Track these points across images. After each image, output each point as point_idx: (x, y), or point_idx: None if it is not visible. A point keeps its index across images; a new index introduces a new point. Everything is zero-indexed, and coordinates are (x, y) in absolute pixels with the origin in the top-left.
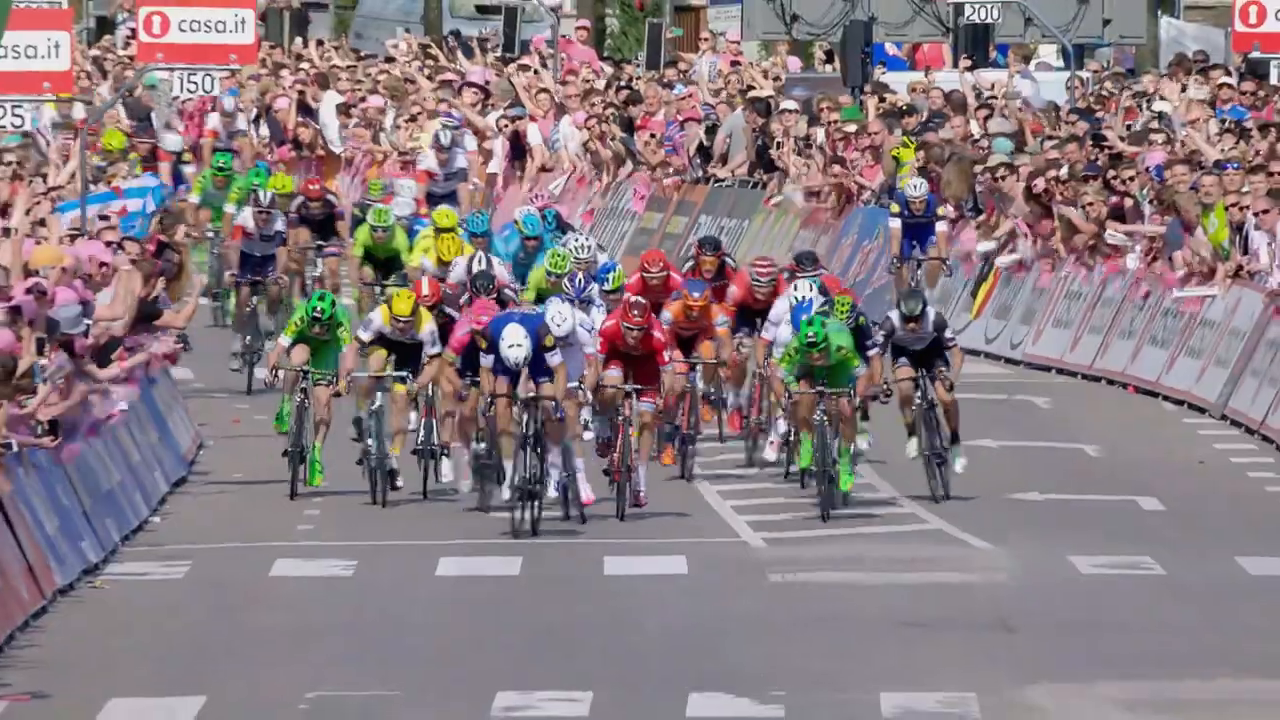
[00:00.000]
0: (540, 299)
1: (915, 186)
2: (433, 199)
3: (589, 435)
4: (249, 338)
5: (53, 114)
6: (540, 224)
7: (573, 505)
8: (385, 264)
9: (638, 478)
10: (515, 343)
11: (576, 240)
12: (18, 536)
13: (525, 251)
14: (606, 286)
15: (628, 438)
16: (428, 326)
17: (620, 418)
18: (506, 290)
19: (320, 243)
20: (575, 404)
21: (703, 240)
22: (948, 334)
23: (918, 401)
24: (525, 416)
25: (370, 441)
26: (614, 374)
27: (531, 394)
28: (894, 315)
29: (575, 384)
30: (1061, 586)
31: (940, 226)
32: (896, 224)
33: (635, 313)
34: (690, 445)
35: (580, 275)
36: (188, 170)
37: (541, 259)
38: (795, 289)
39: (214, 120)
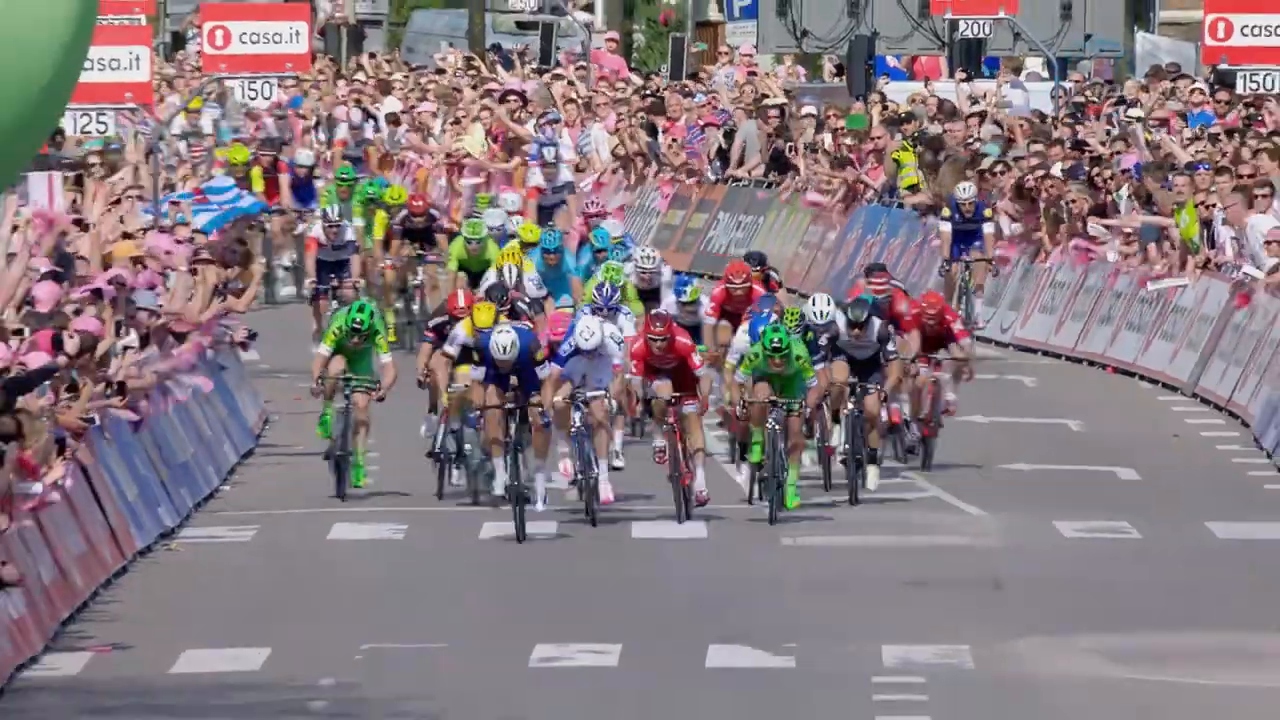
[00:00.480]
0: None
1: (964, 190)
2: (542, 211)
3: (619, 463)
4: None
5: (183, 124)
6: (608, 238)
7: (594, 502)
8: (477, 275)
9: (697, 479)
10: (504, 330)
11: (642, 252)
12: (101, 503)
13: (596, 263)
14: (684, 299)
15: (674, 445)
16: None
17: (666, 426)
18: (520, 303)
19: (420, 252)
20: (603, 409)
21: (748, 255)
22: (889, 347)
23: (850, 407)
24: (511, 424)
25: (469, 448)
26: (662, 384)
27: (580, 394)
28: (840, 320)
29: (603, 392)
30: (1047, 549)
31: (987, 229)
32: (947, 227)
33: (657, 324)
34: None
35: (607, 285)
36: (318, 184)
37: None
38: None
39: (342, 130)
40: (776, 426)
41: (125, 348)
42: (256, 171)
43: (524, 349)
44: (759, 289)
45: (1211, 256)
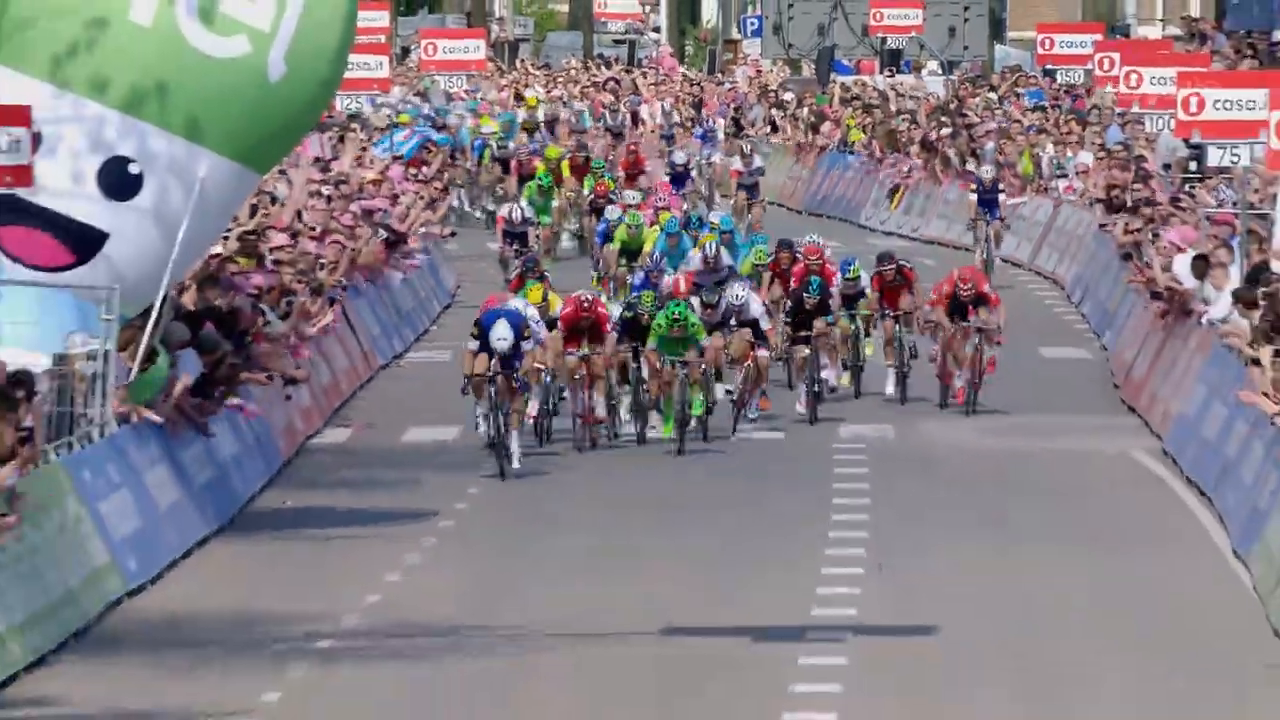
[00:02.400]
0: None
1: (987, 171)
2: (742, 187)
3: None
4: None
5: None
6: (678, 223)
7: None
8: (634, 254)
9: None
10: (501, 336)
11: (717, 214)
12: (356, 335)
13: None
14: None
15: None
16: None
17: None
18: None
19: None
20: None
21: (781, 242)
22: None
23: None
24: (493, 389)
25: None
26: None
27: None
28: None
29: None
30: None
31: (1002, 198)
32: (974, 197)
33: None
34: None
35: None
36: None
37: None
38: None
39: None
40: (685, 376)
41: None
42: (566, 163)
43: (514, 336)
44: (831, 267)
45: (1041, 183)
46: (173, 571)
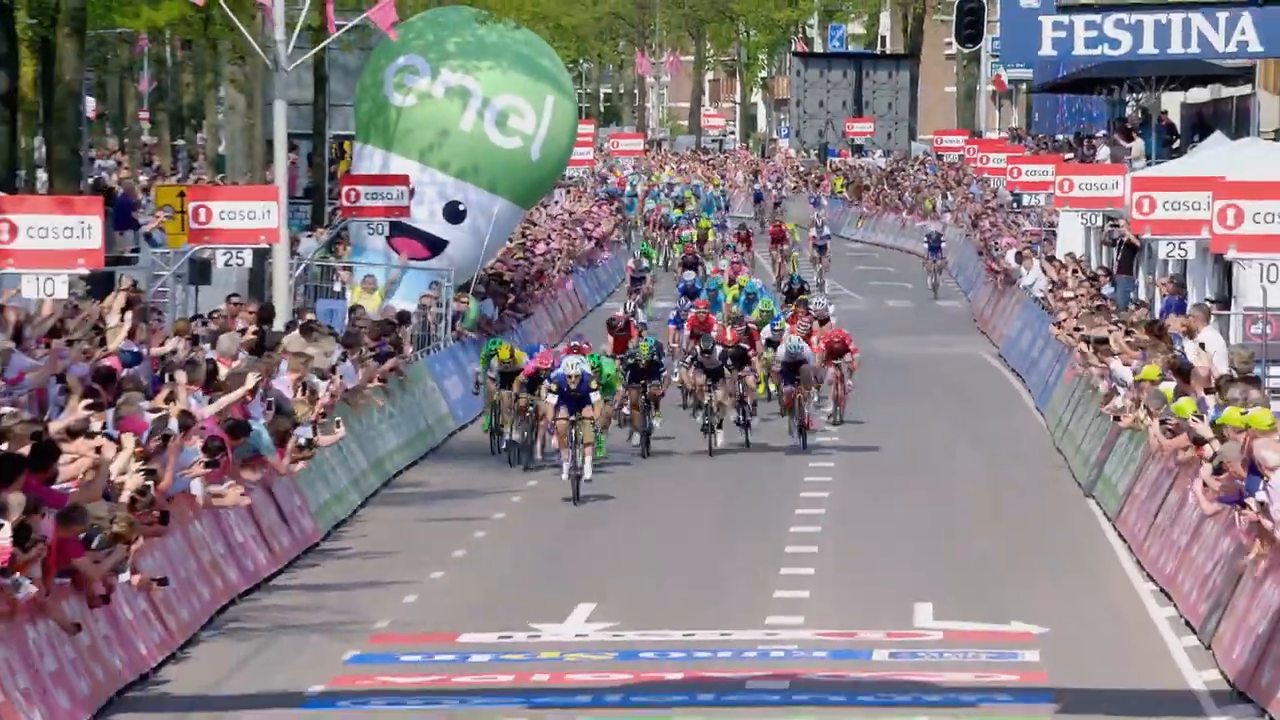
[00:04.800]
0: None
1: (930, 229)
2: (816, 248)
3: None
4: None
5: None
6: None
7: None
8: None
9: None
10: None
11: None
12: (577, 292)
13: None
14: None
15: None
16: None
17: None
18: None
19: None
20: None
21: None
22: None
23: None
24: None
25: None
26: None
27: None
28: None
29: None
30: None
31: (942, 248)
32: (924, 248)
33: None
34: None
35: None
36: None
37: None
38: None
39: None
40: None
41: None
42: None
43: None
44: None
45: (935, 215)
46: (475, 421)
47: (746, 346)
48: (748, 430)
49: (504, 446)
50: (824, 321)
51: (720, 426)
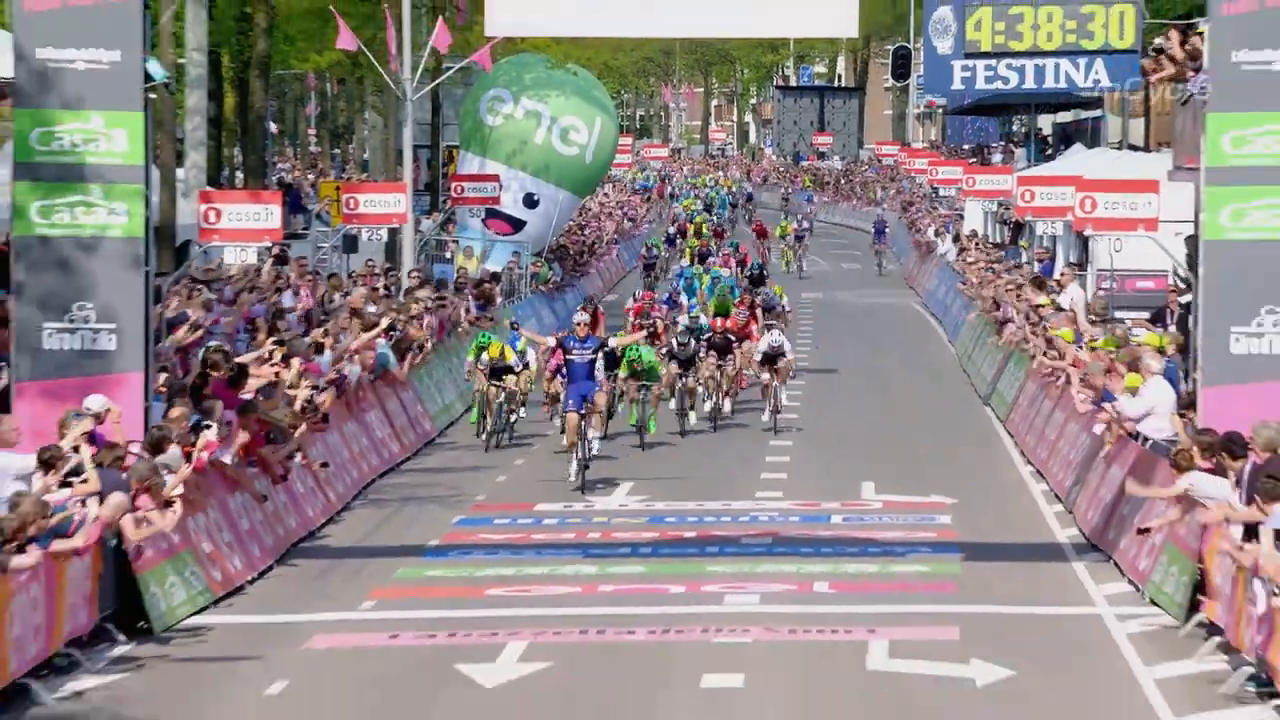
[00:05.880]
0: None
1: (879, 217)
2: (797, 238)
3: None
4: None
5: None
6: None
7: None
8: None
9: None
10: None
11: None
12: (618, 256)
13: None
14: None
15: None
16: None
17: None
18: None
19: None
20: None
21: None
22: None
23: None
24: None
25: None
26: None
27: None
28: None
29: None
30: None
31: (885, 235)
32: (870, 237)
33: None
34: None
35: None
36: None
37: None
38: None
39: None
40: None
41: None
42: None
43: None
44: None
45: (882, 200)
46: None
47: (732, 337)
48: (715, 421)
49: (484, 435)
50: (769, 310)
51: (693, 408)
